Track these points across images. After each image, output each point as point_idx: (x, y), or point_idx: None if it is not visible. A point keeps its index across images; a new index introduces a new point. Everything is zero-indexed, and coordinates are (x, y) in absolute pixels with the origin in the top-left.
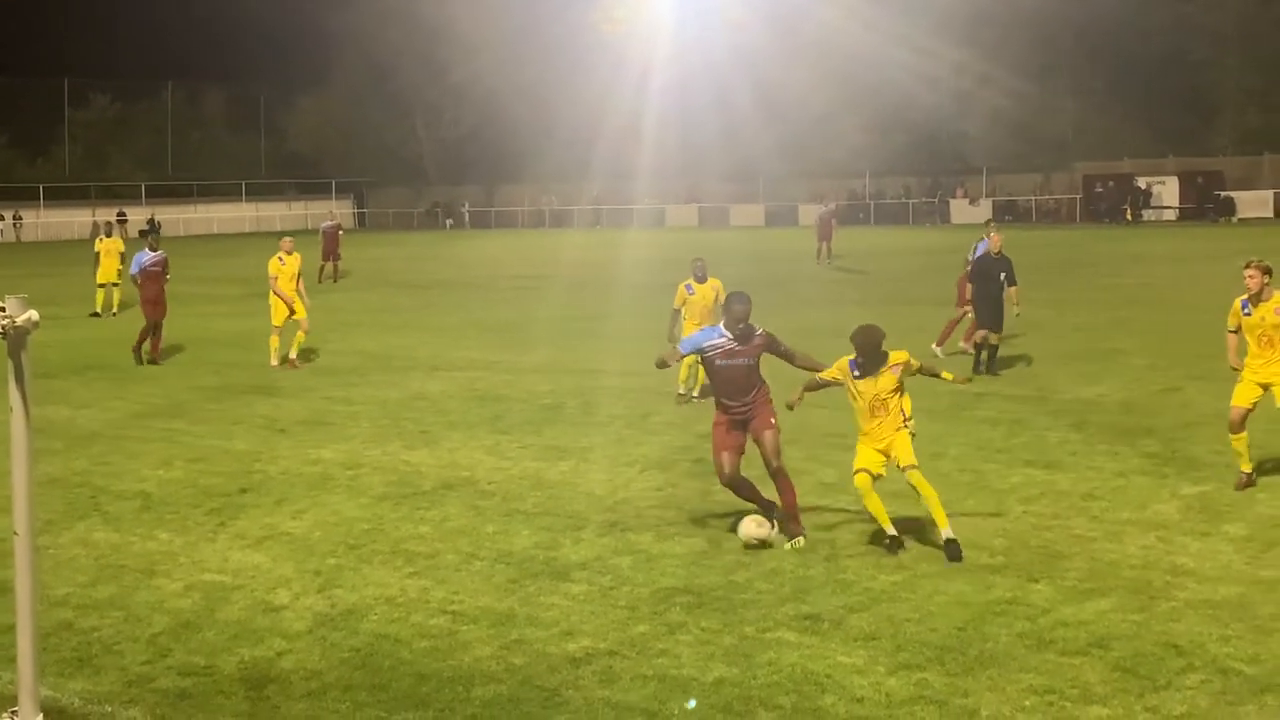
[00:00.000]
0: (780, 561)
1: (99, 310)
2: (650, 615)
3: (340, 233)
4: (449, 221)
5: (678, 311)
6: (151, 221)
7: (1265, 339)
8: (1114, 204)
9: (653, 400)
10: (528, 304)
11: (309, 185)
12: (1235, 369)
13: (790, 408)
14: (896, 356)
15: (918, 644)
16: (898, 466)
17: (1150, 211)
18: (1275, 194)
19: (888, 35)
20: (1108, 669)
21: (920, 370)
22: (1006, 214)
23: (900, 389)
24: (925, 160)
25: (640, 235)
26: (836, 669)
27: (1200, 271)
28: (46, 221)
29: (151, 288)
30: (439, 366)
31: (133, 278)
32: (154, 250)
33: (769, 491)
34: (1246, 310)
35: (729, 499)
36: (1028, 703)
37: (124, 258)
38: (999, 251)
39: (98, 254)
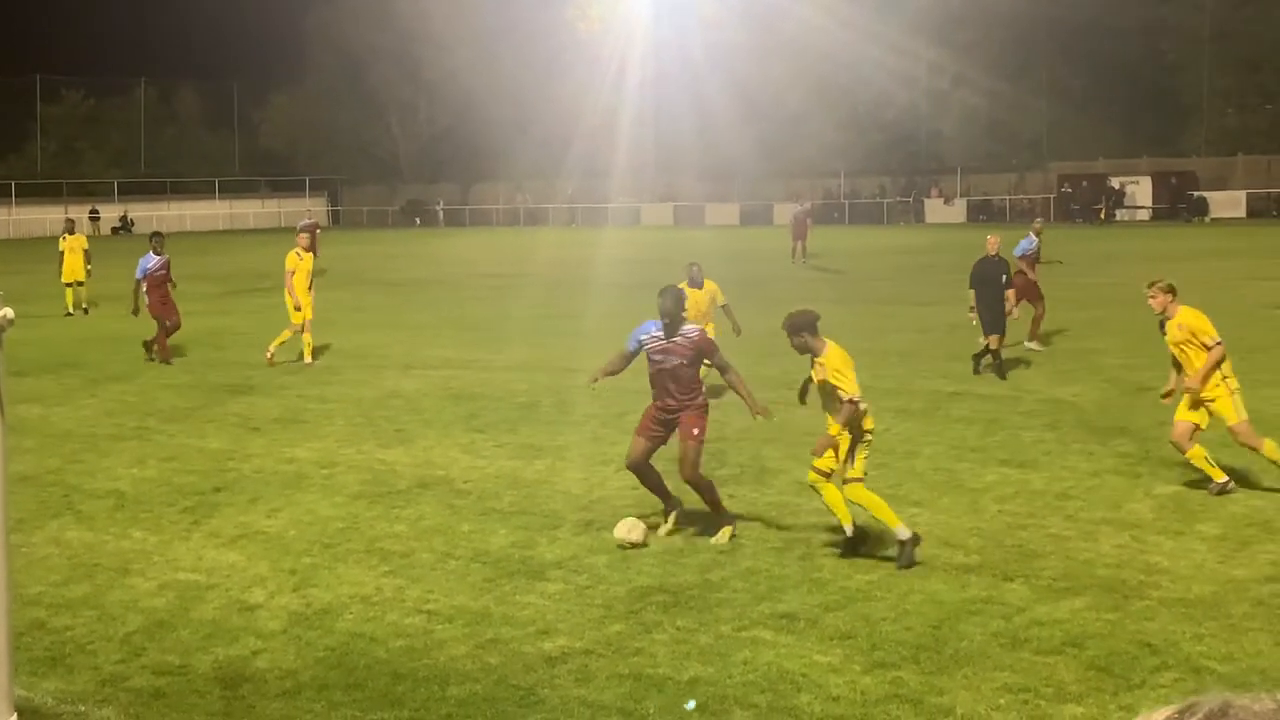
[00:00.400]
0: (756, 560)
1: (71, 309)
2: (626, 614)
3: (317, 231)
4: (417, 219)
5: None
6: (124, 218)
7: (1183, 356)
8: (1087, 203)
9: (628, 399)
10: (502, 302)
11: (283, 183)
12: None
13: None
14: (827, 357)
15: (893, 643)
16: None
17: (1124, 211)
18: (1248, 194)
19: (864, 34)
20: (1082, 668)
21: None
22: (981, 213)
23: (834, 391)
24: (900, 160)
25: (615, 234)
26: (812, 668)
27: (1174, 271)
28: (18, 219)
29: (158, 292)
30: (413, 365)
31: (138, 283)
32: (158, 254)
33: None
34: (1163, 331)
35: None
36: (1002, 701)
37: (88, 255)
38: (997, 254)
39: (62, 252)
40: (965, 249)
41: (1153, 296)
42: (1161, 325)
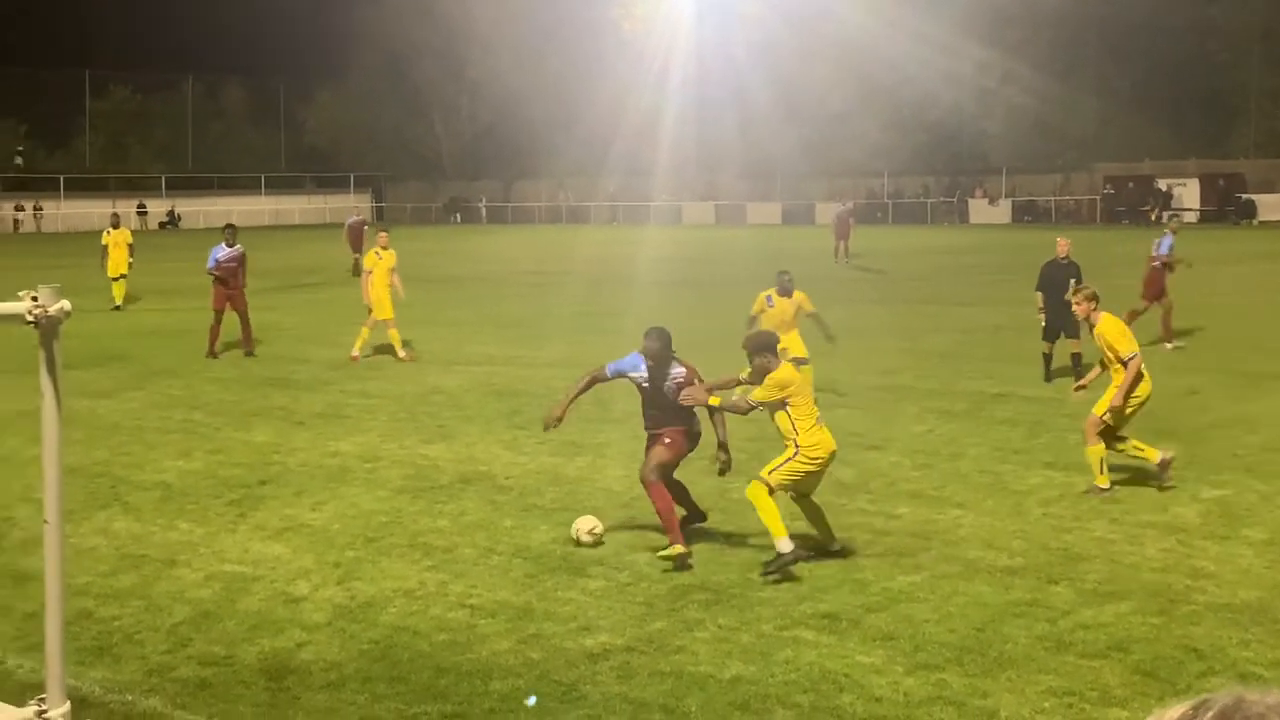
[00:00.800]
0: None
1: (119, 304)
2: (667, 612)
3: (365, 228)
4: (456, 216)
5: (754, 319)
6: (171, 213)
7: (1108, 361)
8: (1134, 205)
9: None
10: (544, 299)
11: (327, 179)
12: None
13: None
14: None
15: (936, 644)
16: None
17: (1170, 214)
18: None
19: (909, 32)
20: (1127, 672)
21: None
22: (1026, 214)
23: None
24: (944, 160)
25: (656, 232)
26: (854, 668)
27: (1221, 274)
28: (67, 212)
29: (225, 283)
30: (455, 361)
31: (208, 271)
32: (231, 245)
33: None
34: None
35: (745, 496)
36: (1047, 704)
37: (132, 249)
38: (1067, 256)
39: (105, 247)
40: (1010, 250)
41: (1078, 304)
42: (1091, 329)
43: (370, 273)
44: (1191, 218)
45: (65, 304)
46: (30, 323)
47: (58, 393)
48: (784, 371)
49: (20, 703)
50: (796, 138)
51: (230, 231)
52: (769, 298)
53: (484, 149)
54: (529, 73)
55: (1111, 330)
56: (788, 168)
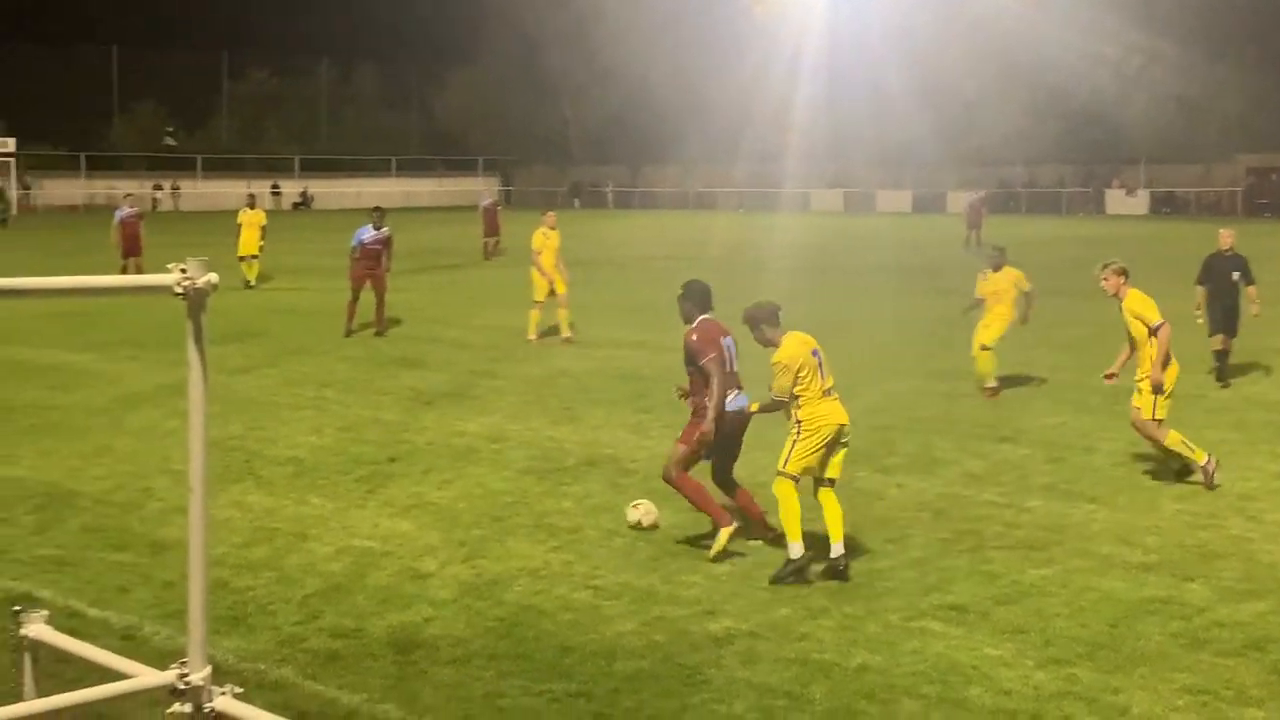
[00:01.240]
0: (924, 551)
1: (252, 282)
2: (792, 599)
3: (499, 210)
4: (576, 201)
5: (980, 300)
6: (304, 194)
7: (1132, 338)
8: (1277, 197)
9: None
10: (670, 285)
11: (456, 162)
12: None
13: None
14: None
15: (1067, 639)
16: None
17: None
18: None
19: (1049, 14)
20: (1264, 671)
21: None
22: (1165, 206)
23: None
24: (1081, 148)
25: (785, 219)
26: (983, 660)
27: None
28: (203, 192)
29: (367, 263)
30: (582, 344)
31: (352, 249)
32: (378, 228)
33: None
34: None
35: (872, 485)
36: (1180, 702)
37: (264, 231)
38: (1231, 249)
39: (239, 225)
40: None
41: (1105, 279)
42: (1119, 305)
43: (540, 253)
44: None
45: (213, 277)
46: (179, 295)
47: (204, 365)
48: (789, 346)
49: (161, 667)
50: (930, 124)
51: (379, 214)
52: (982, 273)
53: (612, 134)
54: (659, 59)
55: (1139, 301)
56: (920, 155)
